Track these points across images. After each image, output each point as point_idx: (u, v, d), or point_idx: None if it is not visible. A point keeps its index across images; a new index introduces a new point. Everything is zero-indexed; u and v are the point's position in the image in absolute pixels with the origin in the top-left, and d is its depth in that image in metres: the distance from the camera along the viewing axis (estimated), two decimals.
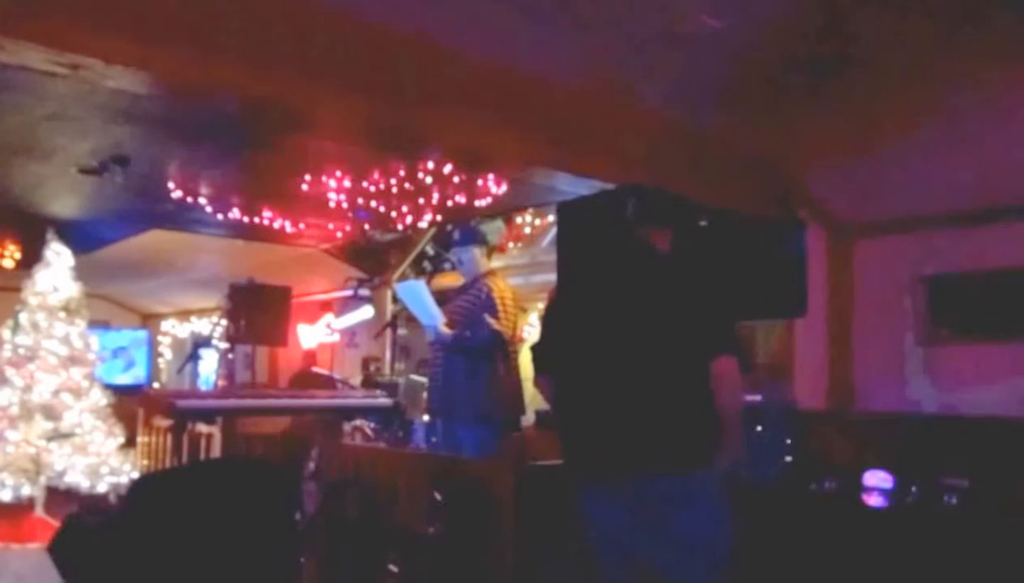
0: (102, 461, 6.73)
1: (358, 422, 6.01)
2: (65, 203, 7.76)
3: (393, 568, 4.20)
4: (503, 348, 5.11)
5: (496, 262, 7.82)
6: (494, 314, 5.03)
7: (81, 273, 7.25)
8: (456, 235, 5.47)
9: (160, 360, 15.04)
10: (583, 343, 3.04)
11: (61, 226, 7.39)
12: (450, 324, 5.15)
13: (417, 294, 5.27)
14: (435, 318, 5.15)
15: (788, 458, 5.04)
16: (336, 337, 11.68)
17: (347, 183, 6.73)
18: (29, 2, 3.12)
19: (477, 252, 5.32)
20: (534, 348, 3.27)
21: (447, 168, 6.25)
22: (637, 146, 4.95)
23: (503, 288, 5.18)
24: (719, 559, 2.94)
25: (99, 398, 6.98)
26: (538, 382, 3.25)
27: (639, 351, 2.95)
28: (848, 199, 5.78)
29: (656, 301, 3.00)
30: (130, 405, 7.19)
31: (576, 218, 4.19)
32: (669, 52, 4.21)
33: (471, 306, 5.15)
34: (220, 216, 7.84)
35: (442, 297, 5.49)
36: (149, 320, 15.63)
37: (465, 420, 5.07)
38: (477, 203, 6.89)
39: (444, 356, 5.19)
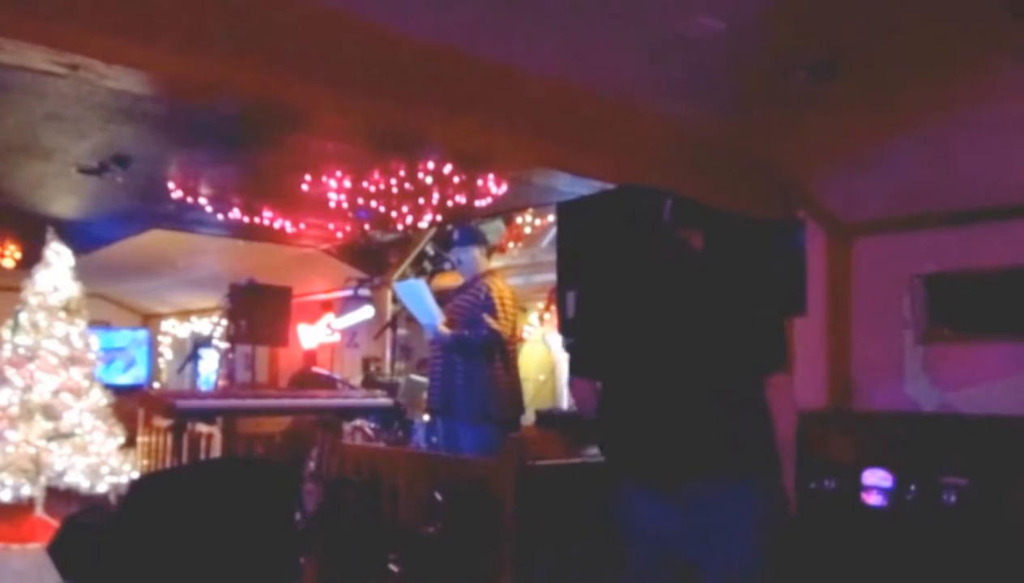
0: (102, 461, 6.73)
1: (358, 422, 6.01)
2: (65, 203, 7.76)
3: (393, 567, 4.21)
4: (502, 348, 5.11)
5: (496, 262, 7.84)
6: (493, 314, 5.04)
7: (81, 273, 7.25)
8: (456, 235, 5.49)
9: (160, 360, 15.06)
10: (637, 346, 2.99)
11: (61, 226, 7.39)
12: (449, 323, 5.16)
13: (416, 293, 5.28)
14: (434, 317, 5.16)
15: None
16: (336, 337, 11.68)
17: (347, 183, 6.74)
18: (29, 2, 3.12)
19: (477, 252, 5.33)
20: (571, 349, 3.20)
21: (447, 168, 6.26)
22: (636, 146, 4.95)
23: (502, 288, 5.19)
24: (759, 566, 2.95)
25: (99, 398, 6.97)
26: (575, 384, 3.17)
27: (695, 355, 2.93)
28: (846, 198, 5.78)
29: (709, 305, 2.99)
30: (130, 405, 7.19)
31: (576, 218, 4.19)
32: (669, 52, 4.21)
33: (470, 306, 5.16)
34: (220, 216, 7.85)
35: (442, 297, 5.50)
36: (149, 320, 15.64)
37: (464, 419, 5.09)
38: (477, 203, 6.89)
39: (443, 356, 5.20)
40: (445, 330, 5.12)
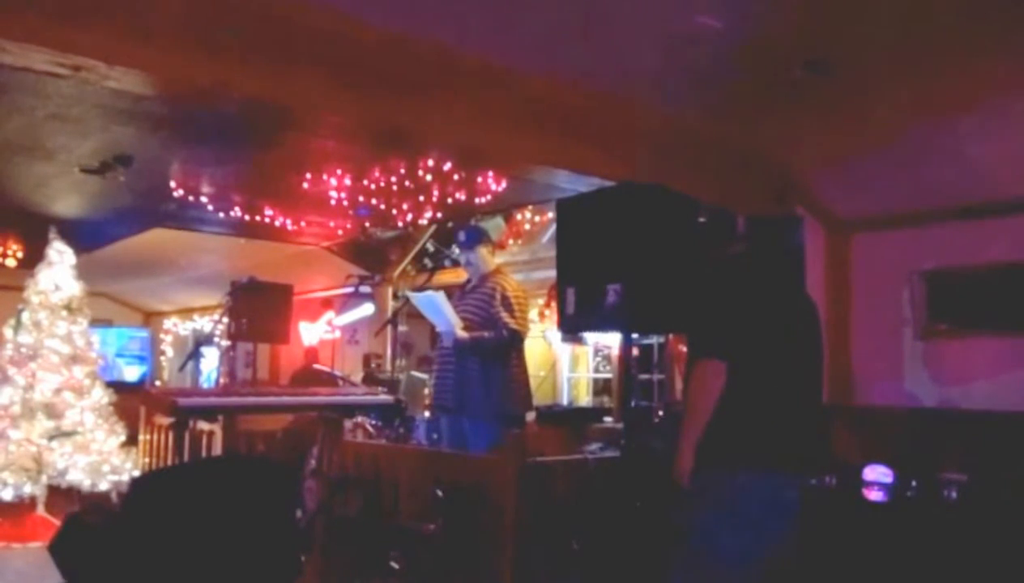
0: (104, 459, 6.74)
1: (359, 419, 6.01)
2: (67, 202, 7.79)
3: (394, 565, 4.22)
4: (517, 345, 5.08)
5: (496, 259, 7.83)
6: (511, 313, 5.00)
7: (83, 272, 7.26)
8: (461, 237, 5.41)
9: (162, 358, 15.09)
10: (780, 344, 3.24)
11: (63, 225, 7.41)
12: (466, 326, 5.09)
13: (435, 304, 5.19)
14: (452, 324, 5.10)
15: None
16: (337, 334, 11.71)
17: (347, 181, 6.75)
18: (32, 4, 3.14)
19: (483, 251, 5.28)
20: (723, 334, 3.22)
21: (447, 165, 6.27)
22: (636, 143, 4.96)
23: (514, 286, 5.14)
24: None
25: (101, 396, 6.99)
26: (713, 367, 3.15)
27: (818, 361, 3.40)
28: (845, 194, 5.78)
29: (812, 316, 3.42)
30: (132, 403, 7.20)
31: (575, 215, 4.21)
32: (668, 51, 4.22)
33: (485, 305, 5.10)
34: (222, 214, 7.87)
35: (447, 295, 5.46)
36: (151, 318, 15.68)
37: (479, 417, 4.99)
38: (477, 200, 6.91)
39: (456, 355, 5.13)
40: (463, 334, 5.04)
